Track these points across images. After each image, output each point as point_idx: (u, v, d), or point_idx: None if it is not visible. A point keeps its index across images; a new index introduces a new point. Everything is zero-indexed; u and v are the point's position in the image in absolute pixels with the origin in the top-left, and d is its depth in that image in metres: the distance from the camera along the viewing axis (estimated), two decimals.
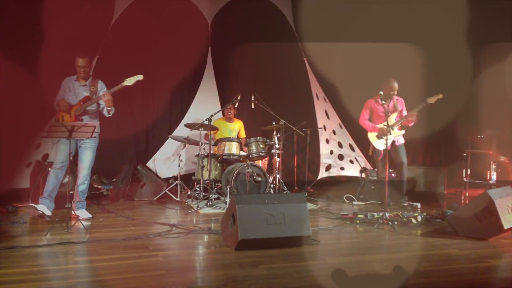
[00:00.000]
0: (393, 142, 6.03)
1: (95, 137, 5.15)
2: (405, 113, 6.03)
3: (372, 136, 6.07)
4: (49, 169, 5.36)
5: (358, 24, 8.05)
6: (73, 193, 5.39)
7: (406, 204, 5.76)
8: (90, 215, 5.40)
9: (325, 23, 8.07)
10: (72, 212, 4.95)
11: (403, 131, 5.98)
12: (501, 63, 7.91)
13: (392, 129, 5.89)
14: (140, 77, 5.29)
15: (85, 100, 5.34)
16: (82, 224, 4.78)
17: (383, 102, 5.58)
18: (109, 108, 5.33)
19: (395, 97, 6.00)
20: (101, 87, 5.46)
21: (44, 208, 5.12)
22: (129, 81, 5.27)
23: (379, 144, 5.84)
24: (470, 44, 8.20)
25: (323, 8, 8.01)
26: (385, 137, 5.54)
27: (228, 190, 6.24)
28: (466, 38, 7.98)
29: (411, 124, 5.90)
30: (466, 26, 7.80)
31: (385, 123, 5.61)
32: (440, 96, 5.75)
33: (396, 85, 5.92)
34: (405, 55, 8.35)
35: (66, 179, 5.34)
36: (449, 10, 7.78)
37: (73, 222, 4.75)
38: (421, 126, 6.06)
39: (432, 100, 5.74)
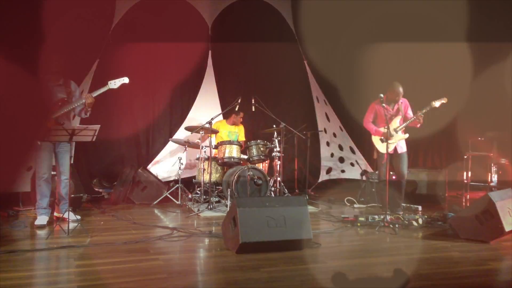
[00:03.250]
0: (395, 149, 5.97)
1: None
2: (410, 113, 6.01)
3: (376, 140, 6.07)
4: (40, 181, 5.06)
5: (357, 26, 8.05)
6: (58, 197, 5.28)
7: (401, 213, 5.78)
8: (79, 217, 5.35)
9: (325, 26, 8.07)
10: (60, 215, 4.91)
11: (407, 135, 5.96)
12: (502, 64, 7.90)
13: (396, 132, 5.89)
14: (126, 80, 5.04)
15: (62, 103, 5.08)
16: (82, 226, 4.78)
17: (384, 105, 5.58)
18: (88, 109, 5.08)
19: (400, 100, 6.00)
20: (75, 88, 5.26)
21: (45, 219, 5.09)
22: (114, 84, 5.01)
23: (383, 148, 5.83)
24: (471, 44, 8.20)
25: (322, 10, 8.02)
26: (388, 141, 5.55)
27: (228, 193, 6.24)
28: (466, 39, 7.98)
29: (419, 125, 5.90)
30: (466, 26, 7.80)
31: (389, 126, 5.63)
32: (445, 100, 5.74)
33: (401, 90, 5.90)
34: (405, 56, 8.36)
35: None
36: (449, 10, 7.78)
37: (73, 226, 4.76)
38: (422, 128, 6.03)
39: (437, 104, 5.73)
